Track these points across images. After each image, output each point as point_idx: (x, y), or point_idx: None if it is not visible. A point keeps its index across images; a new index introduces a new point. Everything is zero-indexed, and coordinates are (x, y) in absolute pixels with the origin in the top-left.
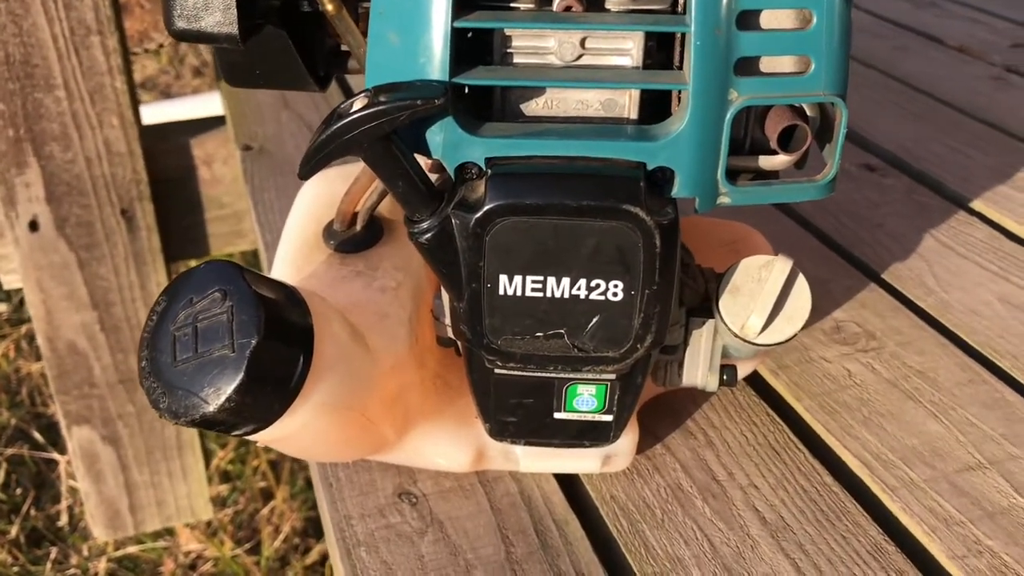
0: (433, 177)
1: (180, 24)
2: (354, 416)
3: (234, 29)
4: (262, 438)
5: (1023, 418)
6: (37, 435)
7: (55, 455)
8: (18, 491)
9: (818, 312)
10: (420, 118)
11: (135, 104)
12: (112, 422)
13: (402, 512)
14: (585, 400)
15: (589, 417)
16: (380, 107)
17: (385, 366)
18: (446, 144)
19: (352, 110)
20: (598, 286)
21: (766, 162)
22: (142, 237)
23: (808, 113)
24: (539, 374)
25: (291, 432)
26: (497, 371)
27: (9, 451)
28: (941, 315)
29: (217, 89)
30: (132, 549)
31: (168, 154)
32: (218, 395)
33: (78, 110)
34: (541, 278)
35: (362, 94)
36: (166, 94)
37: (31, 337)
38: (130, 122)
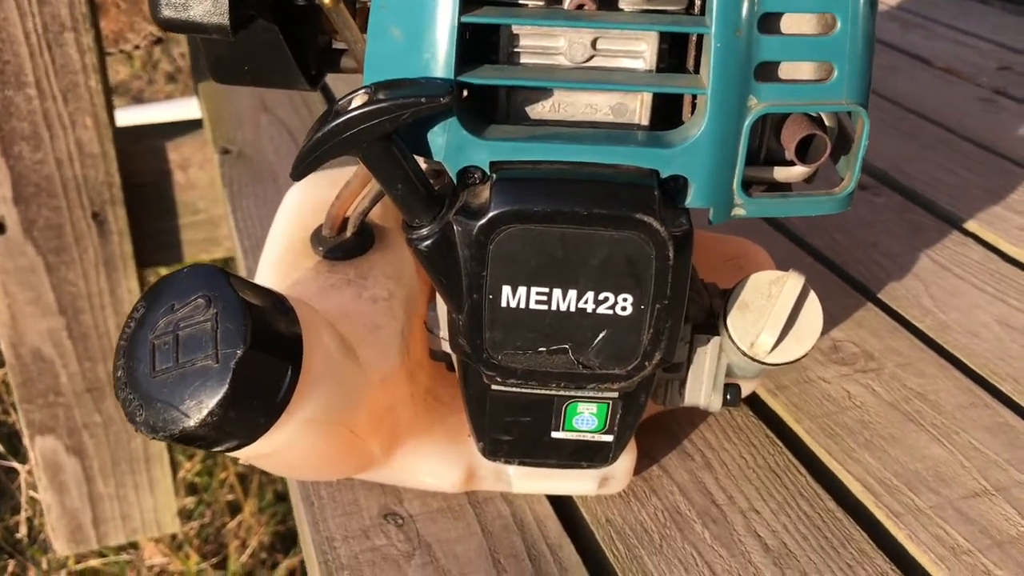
0: (432, 182)
1: (167, 13)
2: (341, 432)
3: (224, 19)
4: (244, 455)
5: None
6: None
7: (15, 464)
8: None
9: None
10: (422, 118)
11: (109, 104)
12: (78, 432)
13: (388, 534)
14: (585, 419)
15: (589, 437)
16: (381, 104)
17: (375, 380)
18: (449, 146)
19: (351, 107)
20: (606, 299)
21: (781, 173)
22: (113, 242)
23: (826, 123)
24: (539, 391)
25: (275, 449)
26: (494, 387)
27: None
28: (940, 336)
29: (192, 95)
30: (94, 563)
31: (142, 157)
32: (200, 409)
33: (50, 109)
34: (546, 290)
35: (361, 90)
36: (138, 100)
37: None
38: (104, 123)
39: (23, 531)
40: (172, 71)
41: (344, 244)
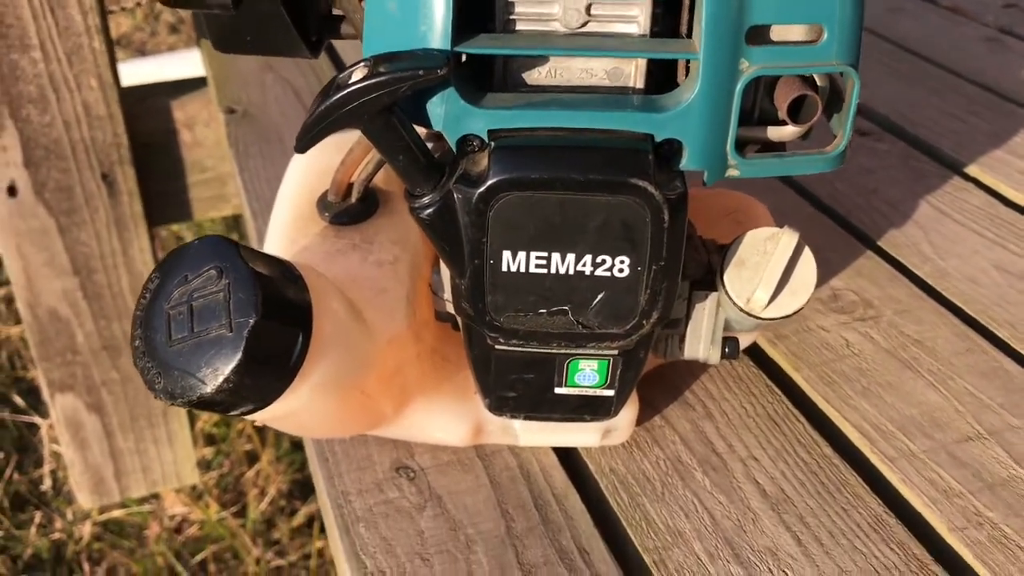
0: (431, 146)
1: None
2: (352, 393)
3: None
4: (259, 417)
5: (1021, 388)
6: (18, 399)
7: (36, 419)
8: (0, 455)
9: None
10: (421, 89)
11: (114, 65)
12: (96, 389)
13: (400, 487)
14: (587, 375)
15: (590, 392)
16: (380, 78)
17: (382, 342)
18: (448, 116)
19: (351, 81)
20: (604, 262)
21: (775, 133)
22: (123, 202)
23: (818, 83)
24: (541, 350)
25: (289, 411)
26: (498, 347)
27: None
28: (938, 283)
29: (195, 47)
30: (117, 513)
31: (148, 117)
32: (216, 376)
33: (55, 71)
34: (545, 254)
35: (361, 64)
36: (141, 52)
37: (9, 300)
38: (109, 84)
39: (47, 483)
40: (175, 22)
41: (349, 209)
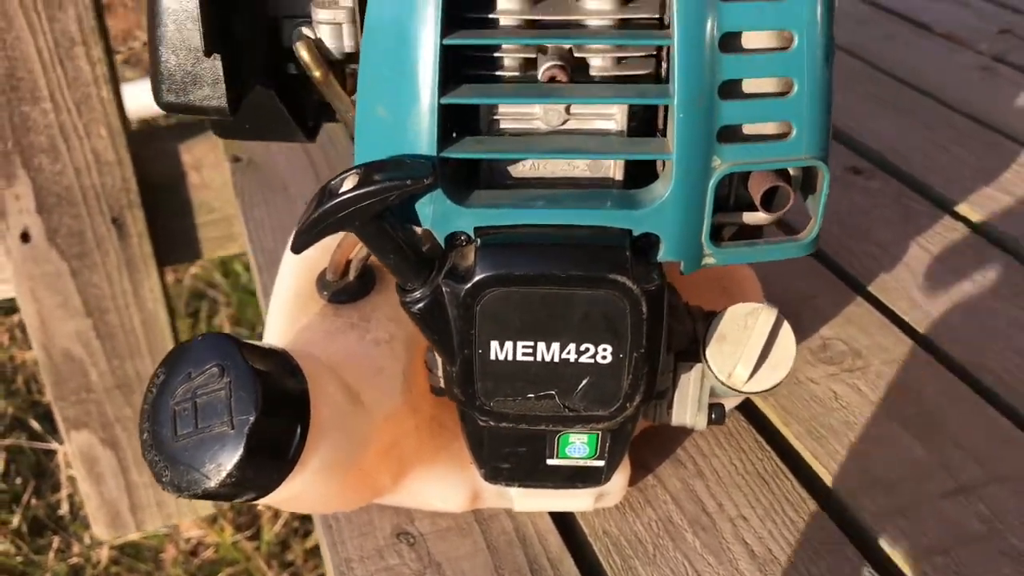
0: (421, 231)
1: (169, 98)
2: (351, 471)
3: (223, 102)
4: (261, 503)
5: (1004, 439)
6: (34, 424)
7: (53, 444)
8: (18, 480)
9: (806, 329)
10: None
11: (122, 112)
12: (110, 426)
13: (401, 553)
14: (577, 448)
15: (582, 463)
16: (370, 187)
17: (379, 420)
18: (435, 215)
19: (342, 190)
20: (587, 350)
21: (750, 218)
22: (133, 244)
23: (790, 172)
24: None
25: (291, 495)
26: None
27: (7, 441)
28: (926, 329)
29: None
30: (134, 536)
31: (157, 159)
32: (219, 471)
33: (65, 121)
34: (531, 343)
35: (352, 172)
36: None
37: (24, 325)
38: (118, 131)
39: (65, 508)
40: None
41: (348, 288)
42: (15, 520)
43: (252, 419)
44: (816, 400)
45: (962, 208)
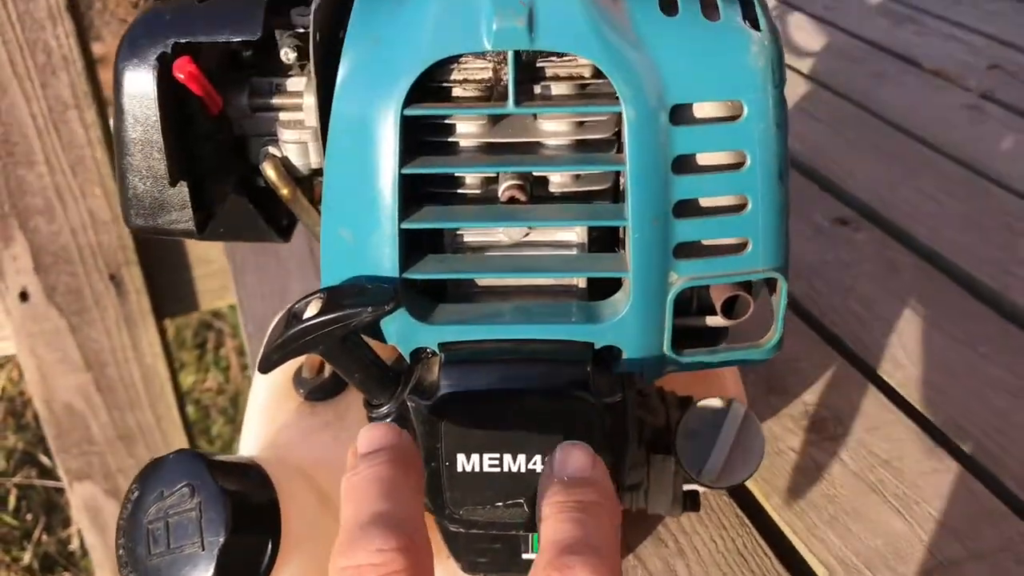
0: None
1: (138, 222)
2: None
3: (191, 225)
4: None
5: (984, 511)
6: (44, 459)
7: (64, 478)
8: (28, 516)
9: (788, 395)
10: None
11: None
12: (112, 476)
13: None
14: None
15: None
16: (333, 314)
17: None
18: (400, 332)
19: (306, 316)
20: None
21: (713, 321)
22: (131, 300)
23: (751, 281)
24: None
25: None
26: None
27: (18, 478)
28: (908, 392)
29: None
30: None
31: None
32: None
33: (60, 183)
34: (498, 455)
35: (316, 296)
36: None
37: None
38: (112, 190)
39: (75, 543)
40: None
41: (323, 385)
42: (26, 557)
43: (222, 540)
44: (797, 471)
45: (947, 260)
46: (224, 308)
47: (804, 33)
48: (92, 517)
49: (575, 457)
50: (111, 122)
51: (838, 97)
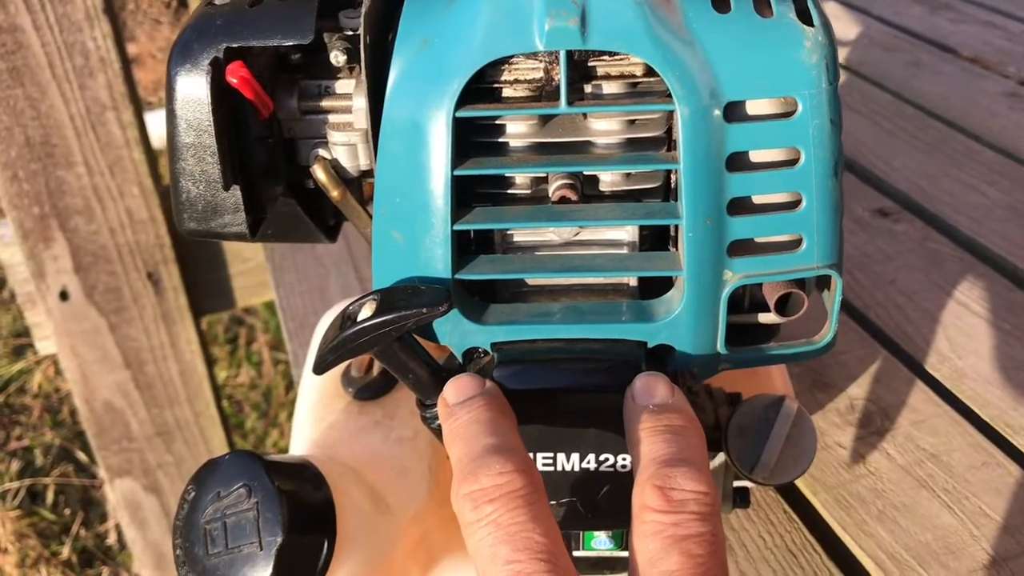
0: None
1: (191, 225)
2: (380, 572)
3: (244, 228)
4: None
5: None
6: (81, 454)
7: (101, 473)
8: (67, 511)
9: (833, 389)
10: None
11: (155, 171)
12: (152, 472)
13: None
14: (602, 541)
15: (607, 554)
16: (388, 316)
17: (406, 520)
18: (453, 333)
19: (361, 317)
20: (606, 460)
21: (766, 318)
22: (169, 298)
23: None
24: None
25: None
26: None
27: (56, 472)
28: (955, 386)
29: None
30: None
31: None
32: None
33: (99, 184)
34: (551, 455)
35: (370, 299)
36: None
37: None
38: (150, 190)
39: (112, 537)
40: None
41: (372, 384)
42: (65, 551)
43: (280, 540)
44: (844, 466)
45: (991, 251)
46: (257, 305)
47: (837, 22)
48: (132, 512)
49: (657, 387)
50: (164, 127)
51: (874, 86)
